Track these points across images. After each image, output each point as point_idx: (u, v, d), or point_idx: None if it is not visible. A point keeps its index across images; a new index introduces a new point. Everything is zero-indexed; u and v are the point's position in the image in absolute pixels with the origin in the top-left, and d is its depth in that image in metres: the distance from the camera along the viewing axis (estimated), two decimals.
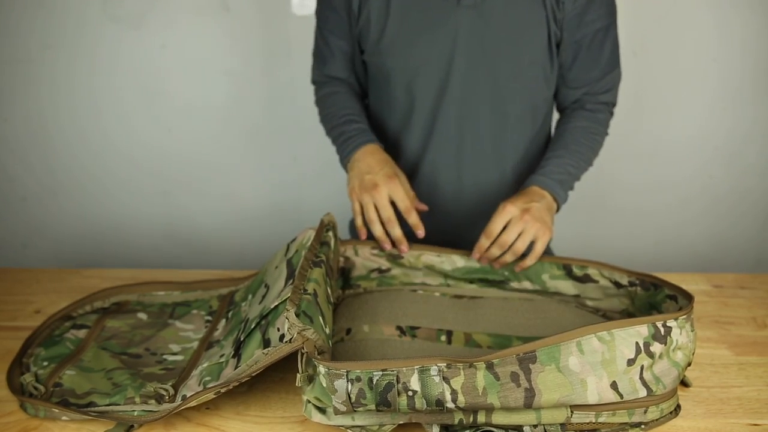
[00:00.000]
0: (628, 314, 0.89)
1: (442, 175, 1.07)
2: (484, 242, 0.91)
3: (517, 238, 0.90)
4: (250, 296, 0.87)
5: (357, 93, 1.12)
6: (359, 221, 0.95)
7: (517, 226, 0.89)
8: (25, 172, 1.68)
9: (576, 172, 1.00)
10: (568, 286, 0.92)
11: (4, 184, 1.69)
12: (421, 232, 0.94)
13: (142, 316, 0.94)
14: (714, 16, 1.52)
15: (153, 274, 1.09)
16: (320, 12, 1.07)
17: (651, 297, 0.85)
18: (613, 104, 1.08)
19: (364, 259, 0.97)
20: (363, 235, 0.96)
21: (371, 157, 0.97)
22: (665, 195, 1.68)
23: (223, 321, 0.90)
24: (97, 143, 1.65)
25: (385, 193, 0.92)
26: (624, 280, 0.88)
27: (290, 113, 1.61)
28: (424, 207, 0.97)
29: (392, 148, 1.09)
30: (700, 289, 1.05)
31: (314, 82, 1.14)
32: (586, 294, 0.92)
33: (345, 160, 1.01)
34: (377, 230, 0.93)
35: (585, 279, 0.91)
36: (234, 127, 1.64)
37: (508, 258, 0.91)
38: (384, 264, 0.97)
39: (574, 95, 1.06)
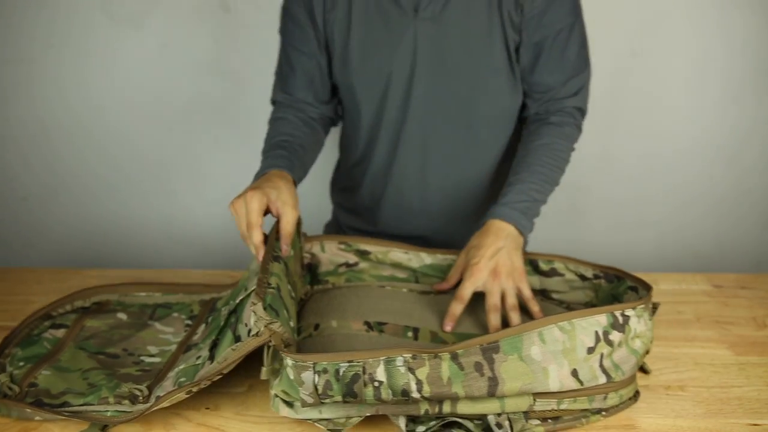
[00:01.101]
0: (592, 306, 0.90)
1: (408, 186, 1.08)
2: (457, 308, 0.85)
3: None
4: (231, 302, 0.87)
5: (308, 119, 1.05)
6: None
7: (495, 288, 0.85)
8: (26, 172, 1.68)
9: (541, 197, 0.95)
10: (533, 281, 0.93)
11: (5, 184, 1.69)
12: (259, 255, 0.82)
13: (122, 316, 0.93)
14: (714, 16, 1.52)
15: (153, 274, 1.10)
16: (284, 27, 1.05)
17: (614, 289, 0.87)
18: (583, 110, 1.04)
19: (331, 254, 0.98)
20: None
21: (262, 179, 0.91)
22: (665, 195, 1.68)
23: (203, 326, 0.90)
24: (98, 143, 1.65)
25: (241, 202, 0.85)
26: (589, 273, 0.90)
27: None
28: (285, 248, 0.85)
29: (360, 161, 1.10)
30: (701, 289, 1.05)
31: (273, 102, 1.09)
32: (551, 287, 0.93)
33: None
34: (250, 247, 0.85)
35: (551, 273, 0.93)
36: (234, 127, 1.64)
37: (515, 317, 0.85)
38: (351, 258, 0.98)
39: (539, 101, 1.02)
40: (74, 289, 1.04)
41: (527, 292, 0.87)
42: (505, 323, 0.85)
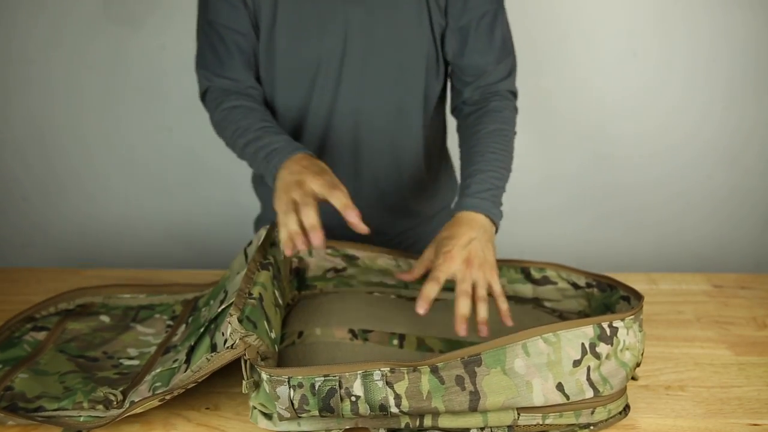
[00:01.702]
0: (585, 315, 0.88)
1: (340, 172, 1.03)
2: (431, 289, 0.79)
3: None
4: (211, 302, 0.86)
5: (260, 103, 0.99)
6: (283, 234, 0.79)
7: (467, 277, 0.81)
8: (26, 172, 1.68)
9: (501, 184, 0.92)
10: (526, 290, 0.91)
11: (4, 183, 1.69)
12: (361, 228, 0.79)
13: (105, 318, 0.92)
14: (714, 17, 1.52)
15: (153, 274, 1.09)
16: (210, 8, 0.96)
17: (606, 298, 0.85)
18: (515, 93, 1.03)
19: (319, 259, 0.95)
20: (288, 250, 0.78)
21: (299, 163, 0.85)
22: (665, 195, 1.68)
23: (183, 326, 0.89)
24: (98, 143, 1.65)
25: (309, 187, 0.80)
26: (581, 282, 0.88)
27: None
28: (363, 228, 0.82)
29: None
30: (700, 289, 1.05)
31: (206, 92, 1.00)
32: (544, 296, 0.91)
33: (273, 172, 0.87)
34: (290, 225, 0.78)
35: (543, 281, 0.90)
36: None
37: (483, 310, 0.80)
38: (339, 264, 0.95)
39: (473, 85, 1.01)
40: (73, 288, 1.04)
41: (497, 288, 0.82)
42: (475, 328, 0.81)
